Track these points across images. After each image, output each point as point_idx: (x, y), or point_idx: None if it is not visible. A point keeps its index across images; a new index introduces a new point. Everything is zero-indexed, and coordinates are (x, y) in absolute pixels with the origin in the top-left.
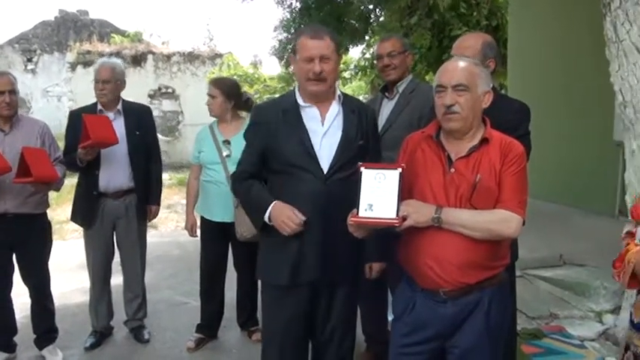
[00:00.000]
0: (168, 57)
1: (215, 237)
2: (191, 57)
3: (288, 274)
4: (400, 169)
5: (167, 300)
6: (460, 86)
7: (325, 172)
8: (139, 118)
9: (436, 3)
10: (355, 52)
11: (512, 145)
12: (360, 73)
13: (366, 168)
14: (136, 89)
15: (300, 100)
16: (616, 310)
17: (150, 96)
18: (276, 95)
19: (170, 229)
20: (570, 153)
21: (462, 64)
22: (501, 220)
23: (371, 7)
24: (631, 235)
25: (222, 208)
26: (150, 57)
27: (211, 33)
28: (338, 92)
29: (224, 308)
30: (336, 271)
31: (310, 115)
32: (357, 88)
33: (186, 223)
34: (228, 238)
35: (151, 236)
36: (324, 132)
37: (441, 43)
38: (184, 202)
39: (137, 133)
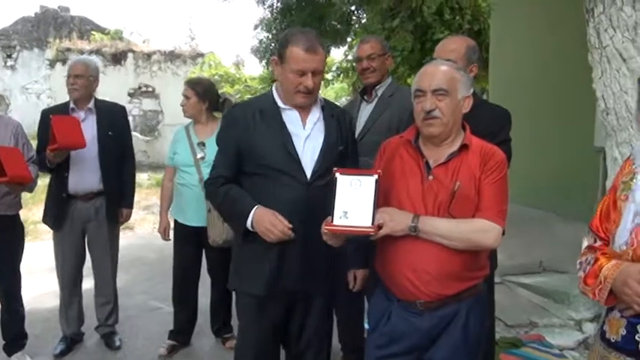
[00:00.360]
0: (149, 55)
1: (188, 241)
2: (172, 56)
3: (265, 284)
4: (376, 176)
5: (140, 305)
6: (440, 90)
7: (308, 178)
8: (112, 118)
9: (418, 6)
10: (337, 54)
11: (492, 152)
12: (342, 75)
13: (341, 174)
14: (116, 88)
15: (279, 102)
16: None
17: (130, 95)
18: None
19: (147, 231)
20: (551, 159)
21: (442, 67)
22: (480, 230)
23: (353, 8)
24: (592, 249)
25: (196, 211)
26: (130, 55)
27: (193, 32)
28: (319, 96)
29: (197, 314)
30: (314, 281)
31: (291, 117)
32: (339, 89)
33: (159, 226)
34: (202, 243)
35: (127, 238)
36: (307, 136)
37: (424, 46)
38: None
39: (110, 133)
